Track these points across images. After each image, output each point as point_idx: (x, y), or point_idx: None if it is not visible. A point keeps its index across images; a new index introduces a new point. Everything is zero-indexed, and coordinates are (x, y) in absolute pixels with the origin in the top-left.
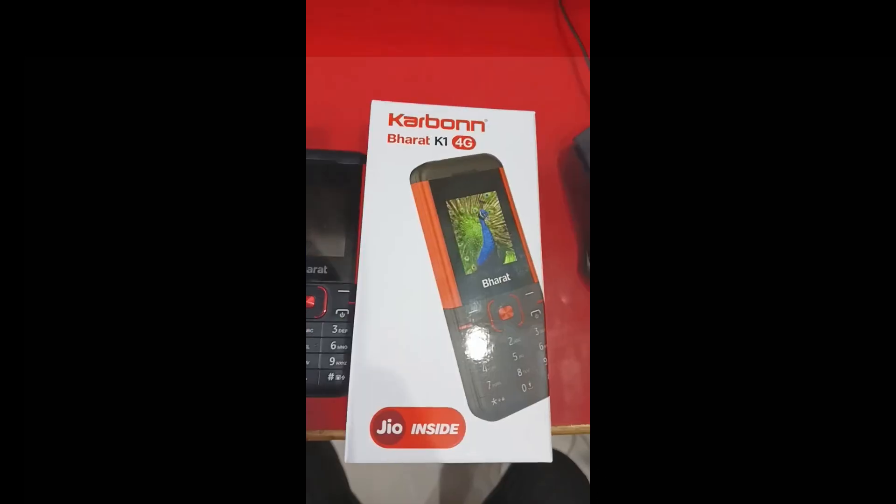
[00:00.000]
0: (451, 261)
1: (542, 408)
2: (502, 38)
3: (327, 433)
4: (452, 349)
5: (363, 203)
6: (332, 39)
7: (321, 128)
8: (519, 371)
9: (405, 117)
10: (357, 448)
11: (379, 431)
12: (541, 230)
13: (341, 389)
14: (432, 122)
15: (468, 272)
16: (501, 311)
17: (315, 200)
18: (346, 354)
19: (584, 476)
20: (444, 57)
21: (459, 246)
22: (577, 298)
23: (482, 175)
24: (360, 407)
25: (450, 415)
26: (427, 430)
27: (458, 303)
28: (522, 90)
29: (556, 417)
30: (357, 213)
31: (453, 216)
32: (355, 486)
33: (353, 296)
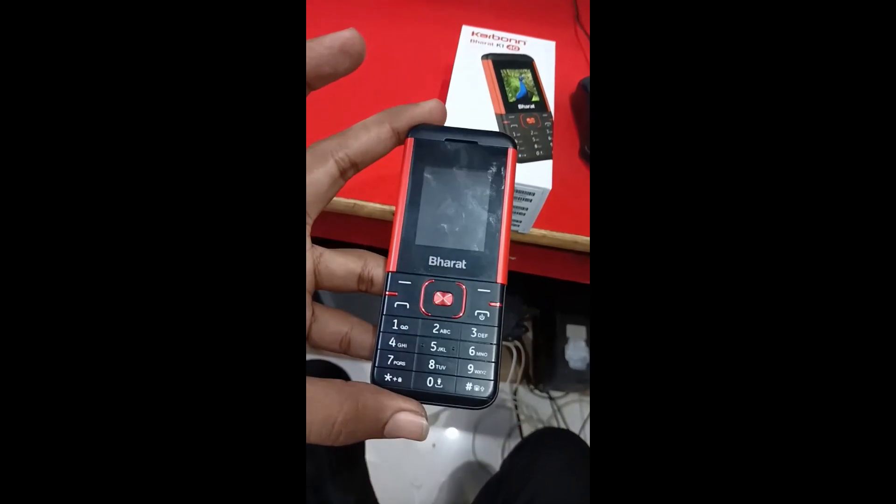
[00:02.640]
0: (501, 94)
1: (548, 164)
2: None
3: None
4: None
5: (454, 73)
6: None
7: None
8: (535, 144)
9: (481, 34)
10: None
11: None
12: (555, 85)
13: (485, 400)
14: (496, 38)
15: (511, 100)
16: (528, 119)
17: (454, 185)
18: (487, 362)
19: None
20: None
21: (507, 91)
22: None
23: (522, 62)
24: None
25: None
26: None
27: (503, 111)
28: (548, 33)
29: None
30: (501, 205)
31: (504, 77)
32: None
33: (495, 296)
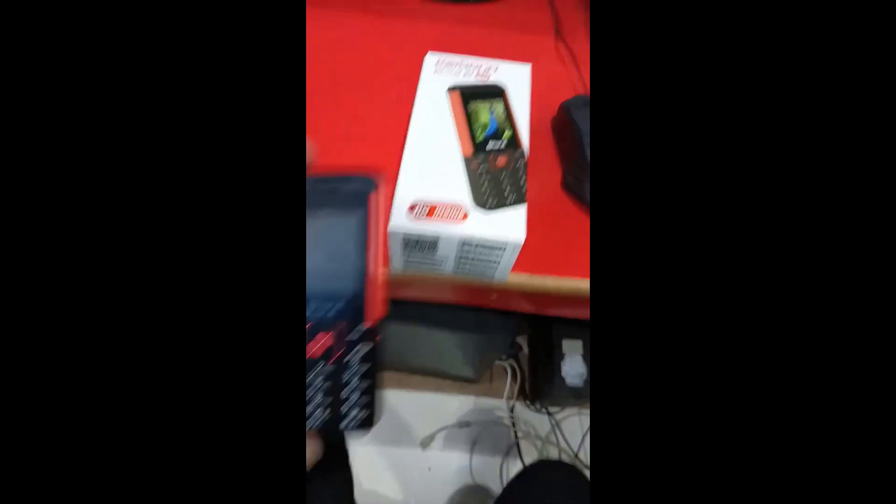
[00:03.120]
0: (469, 132)
1: (521, 211)
2: (510, 48)
3: None
4: (467, 177)
5: (416, 104)
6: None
7: (395, 71)
8: (507, 189)
9: (447, 62)
10: (397, 221)
11: (413, 212)
12: (530, 122)
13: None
14: (465, 65)
15: (479, 139)
16: (499, 159)
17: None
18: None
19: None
20: (472, 32)
21: (475, 126)
22: (557, 197)
23: (492, 92)
24: (405, 195)
25: (459, 207)
26: (444, 213)
27: (471, 153)
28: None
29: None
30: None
31: (472, 110)
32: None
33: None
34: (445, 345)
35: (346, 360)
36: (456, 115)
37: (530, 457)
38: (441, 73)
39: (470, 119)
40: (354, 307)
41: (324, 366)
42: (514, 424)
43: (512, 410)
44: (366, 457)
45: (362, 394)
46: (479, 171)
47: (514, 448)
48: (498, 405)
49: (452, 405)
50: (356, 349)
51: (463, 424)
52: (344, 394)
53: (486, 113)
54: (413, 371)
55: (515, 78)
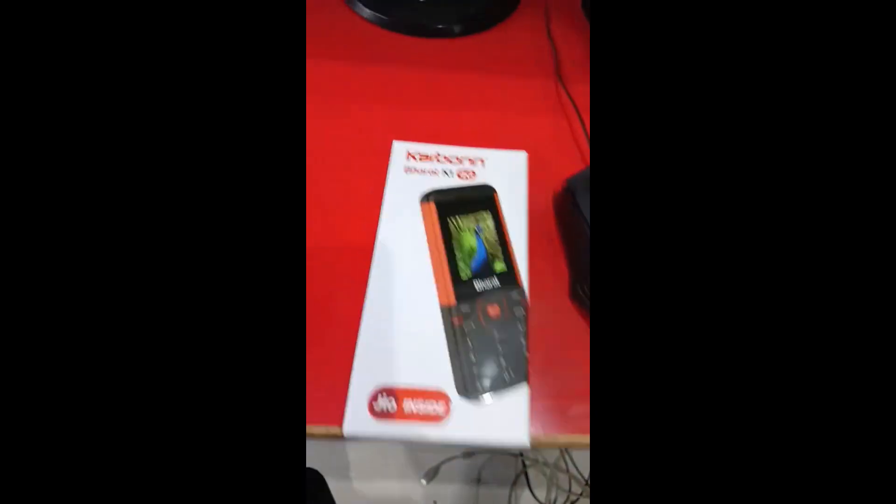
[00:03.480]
0: (449, 267)
1: (522, 392)
2: (505, 100)
3: (324, 428)
4: (445, 340)
5: (381, 219)
6: (356, 96)
7: (349, 165)
8: (502, 361)
9: (420, 154)
10: (355, 420)
11: (376, 406)
12: (528, 245)
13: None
14: (442, 159)
15: (464, 277)
16: (490, 309)
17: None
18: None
19: None
20: (453, 110)
21: (457, 255)
22: (564, 317)
23: (479, 199)
24: (361, 384)
25: (438, 395)
26: (417, 407)
27: (453, 302)
28: (518, 137)
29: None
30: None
31: (454, 230)
32: None
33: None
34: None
35: None
36: (431, 241)
37: (539, 486)
38: (414, 175)
39: (450, 246)
40: None
41: None
42: (521, 452)
43: None
44: (368, 492)
45: None
46: (463, 331)
47: (521, 477)
48: None
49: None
50: None
51: (467, 455)
52: None
53: (472, 235)
54: None
55: (507, 170)
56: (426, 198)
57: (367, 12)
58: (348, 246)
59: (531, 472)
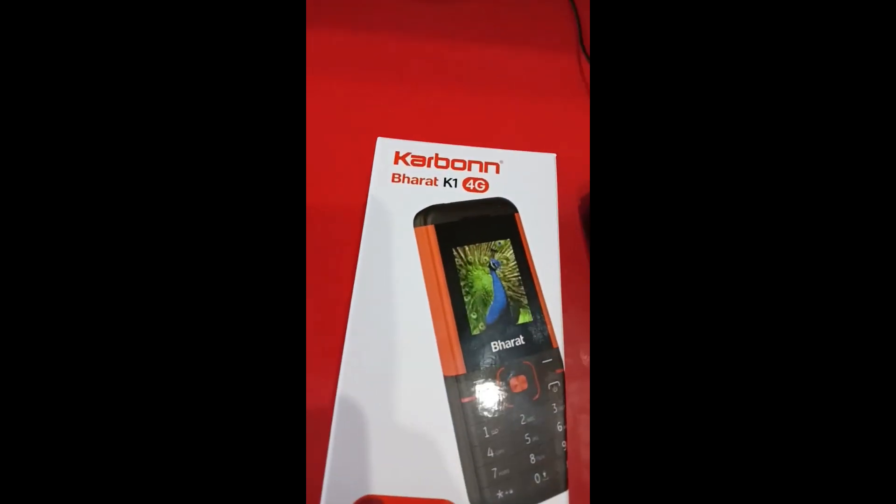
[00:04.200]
0: (455, 318)
1: None
2: (522, 79)
3: None
4: (452, 426)
5: (361, 248)
6: (333, 71)
7: (320, 167)
8: (532, 457)
9: (412, 156)
10: None
11: None
12: (561, 287)
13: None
14: (442, 162)
15: (475, 332)
16: (513, 381)
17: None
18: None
19: None
20: (456, 94)
21: (466, 300)
22: None
23: (495, 221)
24: (336, 494)
25: None
26: None
27: (461, 369)
28: (542, 132)
29: None
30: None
31: (460, 266)
32: None
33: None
34: None
35: None
36: (429, 280)
37: None
38: (402, 186)
39: (456, 288)
40: None
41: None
42: None
43: None
44: None
45: None
46: (476, 414)
47: None
48: None
49: None
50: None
51: None
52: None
53: (485, 273)
54: None
55: (532, 179)
56: (422, 219)
57: None
58: (317, 284)
59: None
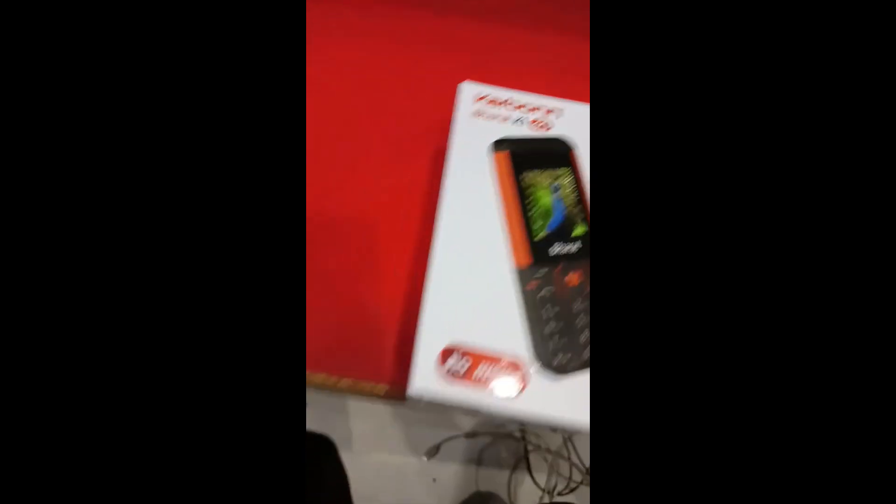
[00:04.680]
0: (523, 224)
1: None
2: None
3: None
4: (518, 304)
5: (449, 166)
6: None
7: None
8: (583, 337)
9: (490, 98)
10: (422, 380)
11: (446, 364)
12: None
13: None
14: (514, 106)
15: (538, 238)
16: (568, 277)
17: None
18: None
19: None
20: (532, 49)
21: (531, 213)
22: None
23: (556, 154)
24: (431, 338)
25: (514, 365)
26: (491, 373)
27: (528, 262)
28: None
29: None
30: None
31: (527, 185)
32: None
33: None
34: None
35: None
36: (505, 197)
37: (540, 471)
38: (482, 120)
39: (524, 204)
40: None
41: None
42: (524, 437)
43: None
44: (368, 464)
45: None
46: (540, 298)
47: (522, 461)
48: None
49: (458, 414)
50: None
51: (470, 435)
52: None
53: (548, 193)
54: None
55: (583, 125)
56: (498, 146)
57: None
58: (403, 189)
59: (532, 458)
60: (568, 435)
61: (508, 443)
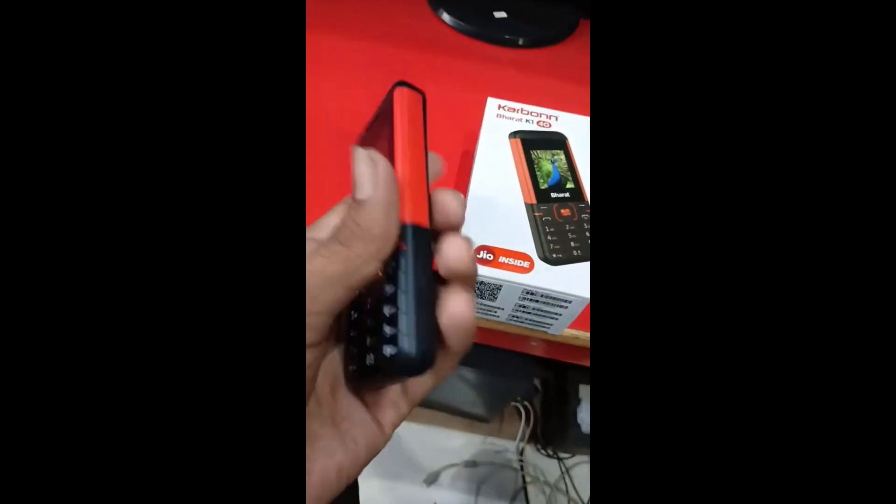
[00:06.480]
0: (531, 179)
1: (586, 266)
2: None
3: None
4: (532, 227)
5: (479, 147)
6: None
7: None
8: (572, 242)
9: (508, 107)
10: None
11: (478, 255)
12: (590, 178)
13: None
14: (525, 112)
15: (542, 188)
16: (563, 211)
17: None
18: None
19: None
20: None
21: (538, 174)
22: None
23: (554, 141)
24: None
25: (525, 256)
26: (509, 261)
27: (534, 201)
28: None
29: None
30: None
31: (535, 158)
32: None
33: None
34: (463, 382)
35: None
36: (518, 162)
37: (538, 503)
38: (502, 120)
39: (532, 167)
40: None
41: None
42: (522, 468)
43: (521, 453)
44: (367, 489)
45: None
46: (543, 220)
47: (521, 493)
48: (507, 447)
49: (459, 443)
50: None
51: (469, 464)
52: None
53: (548, 162)
54: (422, 404)
55: (576, 129)
56: (513, 134)
57: (447, 17)
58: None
59: (531, 490)
60: (565, 469)
61: (507, 473)
